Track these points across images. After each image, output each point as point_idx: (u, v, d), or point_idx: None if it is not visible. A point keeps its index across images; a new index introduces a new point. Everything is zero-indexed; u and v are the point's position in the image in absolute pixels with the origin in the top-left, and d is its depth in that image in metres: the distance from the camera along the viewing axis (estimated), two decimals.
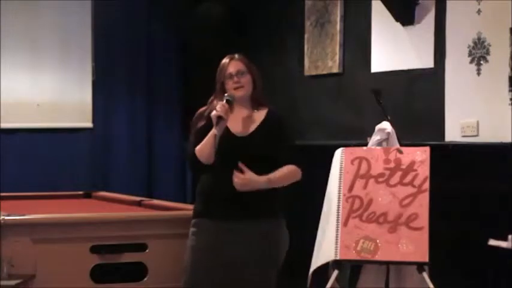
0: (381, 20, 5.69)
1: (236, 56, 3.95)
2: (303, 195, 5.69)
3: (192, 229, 3.89)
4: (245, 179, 3.71)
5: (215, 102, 3.86)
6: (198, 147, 3.81)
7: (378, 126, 4.75)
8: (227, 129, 3.82)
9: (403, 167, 4.52)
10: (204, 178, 3.92)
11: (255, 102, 3.94)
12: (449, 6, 5.21)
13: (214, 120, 3.74)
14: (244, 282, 3.79)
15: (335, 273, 4.46)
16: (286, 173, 3.82)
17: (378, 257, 4.41)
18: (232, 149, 3.77)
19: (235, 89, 3.87)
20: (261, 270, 3.80)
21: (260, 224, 3.81)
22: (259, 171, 3.75)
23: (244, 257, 3.78)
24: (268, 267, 3.83)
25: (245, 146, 3.80)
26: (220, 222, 3.79)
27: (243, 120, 3.89)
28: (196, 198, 3.97)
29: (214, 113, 3.75)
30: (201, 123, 3.89)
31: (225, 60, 3.94)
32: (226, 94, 3.84)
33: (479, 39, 5.01)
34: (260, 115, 3.92)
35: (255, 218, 3.80)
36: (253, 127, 3.88)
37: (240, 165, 3.70)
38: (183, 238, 3.98)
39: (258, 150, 3.80)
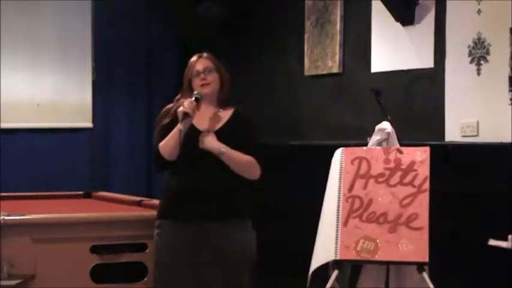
0: (381, 20, 5.69)
1: (204, 54, 3.97)
2: (303, 195, 5.70)
3: (156, 230, 3.89)
4: (204, 137, 3.76)
5: (182, 100, 3.87)
6: (161, 143, 3.81)
7: (378, 126, 4.75)
8: (193, 126, 3.83)
9: (403, 167, 4.52)
10: (169, 176, 3.91)
11: (222, 102, 3.95)
12: (449, 6, 5.20)
13: (180, 116, 3.75)
14: (214, 284, 3.79)
15: (335, 273, 4.46)
16: (241, 159, 3.82)
17: (377, 257, 4.41)
18: (198, 147, 3.78)
19: (202, 86, 3.88)
20: (231, 271, 3.80)
21: (226, 224, 3.81)
22: (224, 169, 3.78)
23: (212, 258, 3.78)
24: (239, 268, 3.83)
25: None
26: (188, 223, 3.79)
27: (210, 119, 3.90)
28: (162, 197, 3.96)
29: (181, 109, 3.76)
30: (167, 120, 3.90)
31: (193, 58, 3.96)
32: (195, 92, 3.86)
33: (479, 39, 5.01)
34: (226, 114, 3.94)
35: (222, 218, 3.80)
36: (219, 125, 3.90)
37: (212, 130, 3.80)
38: None
39: None
